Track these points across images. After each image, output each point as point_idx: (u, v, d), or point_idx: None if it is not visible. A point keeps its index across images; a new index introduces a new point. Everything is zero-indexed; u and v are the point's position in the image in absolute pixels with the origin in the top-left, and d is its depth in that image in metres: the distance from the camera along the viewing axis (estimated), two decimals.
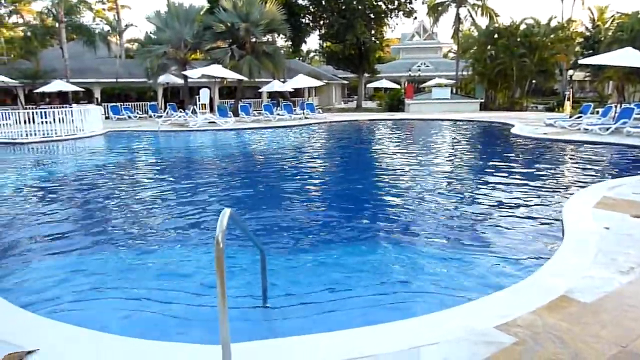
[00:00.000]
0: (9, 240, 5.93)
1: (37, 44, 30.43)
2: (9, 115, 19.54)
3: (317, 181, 10.13)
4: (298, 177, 10.55)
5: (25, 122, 18.50)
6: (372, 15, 33.49)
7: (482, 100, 32.39)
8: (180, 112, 25.48)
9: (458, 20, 37.38)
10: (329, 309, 3.91)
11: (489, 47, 33.05)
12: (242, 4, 26.95)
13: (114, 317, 3.82)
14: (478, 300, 3.63)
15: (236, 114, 26.26)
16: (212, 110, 28.40)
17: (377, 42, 36.24)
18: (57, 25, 30.47)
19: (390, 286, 4.40)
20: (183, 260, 5.15)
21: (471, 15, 37.41)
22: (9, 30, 31.37)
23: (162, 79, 28.77)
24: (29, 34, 31.34)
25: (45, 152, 15.75)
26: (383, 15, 34.01)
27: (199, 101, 27.29)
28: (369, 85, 43.62)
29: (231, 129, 21.45)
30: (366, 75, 38.24)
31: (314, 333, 3.13)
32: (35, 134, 18.05)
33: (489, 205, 7.24)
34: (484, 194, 8.02)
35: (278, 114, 26.41)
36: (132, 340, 3.04)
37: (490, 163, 11.75)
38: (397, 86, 38.72)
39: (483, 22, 36.24)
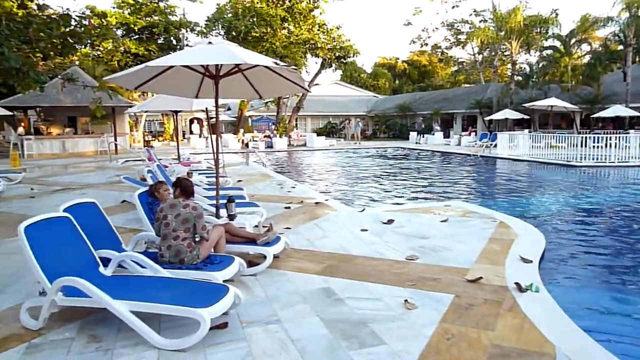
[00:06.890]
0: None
1: (599, 69, 31.02)
2: (564, 138, 21.13)
3: None
4: None
5: (579, 145, 19.44)
6: None
7: None
8: None
9: None
10: None
11: None
12: None
13: None
14: None
15: None
16: None
17: None
18: (622, 48, 30.01)
19: None
20: None
21: None
22: (574, 60, 33.36)
23: None
24: (592, 60, 32.38)
25: (598, 177, 15.95)
26: None
27: None
28: None
29: None
30: None
31: None
32: (587, 158, 18.64)
33: None
34: None
35: None
36: None
37: None
38: None
39: None
